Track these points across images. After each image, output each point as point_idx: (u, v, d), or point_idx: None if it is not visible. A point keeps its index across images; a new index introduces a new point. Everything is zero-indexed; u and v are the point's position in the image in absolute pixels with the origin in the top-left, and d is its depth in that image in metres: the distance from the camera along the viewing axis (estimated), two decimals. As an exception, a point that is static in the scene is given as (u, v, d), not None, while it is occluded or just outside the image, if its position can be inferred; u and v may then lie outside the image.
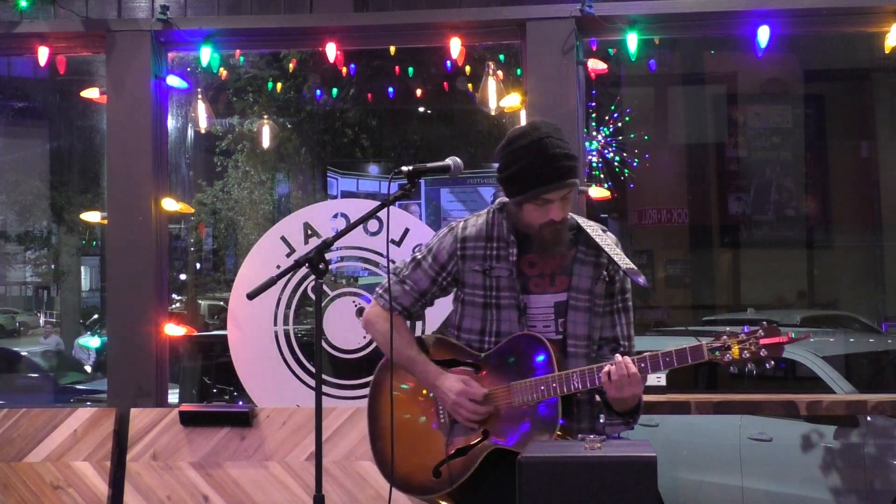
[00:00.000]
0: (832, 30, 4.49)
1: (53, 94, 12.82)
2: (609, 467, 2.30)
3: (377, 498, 3.86)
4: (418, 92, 9.38)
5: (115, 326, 4.29)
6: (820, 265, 11.70)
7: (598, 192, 4.56)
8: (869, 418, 5.51)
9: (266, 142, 9.72)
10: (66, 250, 16.36)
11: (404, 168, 2.88)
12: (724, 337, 2.64)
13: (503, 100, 4.89)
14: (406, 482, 2.93)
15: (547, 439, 2.68)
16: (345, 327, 4.22)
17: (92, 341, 12.92)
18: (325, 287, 3.91)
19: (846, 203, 11.41)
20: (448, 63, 5.18)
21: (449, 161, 2.99)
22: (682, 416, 4.12)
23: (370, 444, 3.02)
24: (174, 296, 12.09)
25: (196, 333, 8.09)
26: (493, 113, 6.31)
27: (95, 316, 16.03)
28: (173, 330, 4.32)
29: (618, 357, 2.70)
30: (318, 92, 10.80)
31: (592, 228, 2.87)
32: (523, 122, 4.25)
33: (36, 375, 10.40)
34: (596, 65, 4.26)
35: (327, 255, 2.83)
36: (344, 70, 5.31)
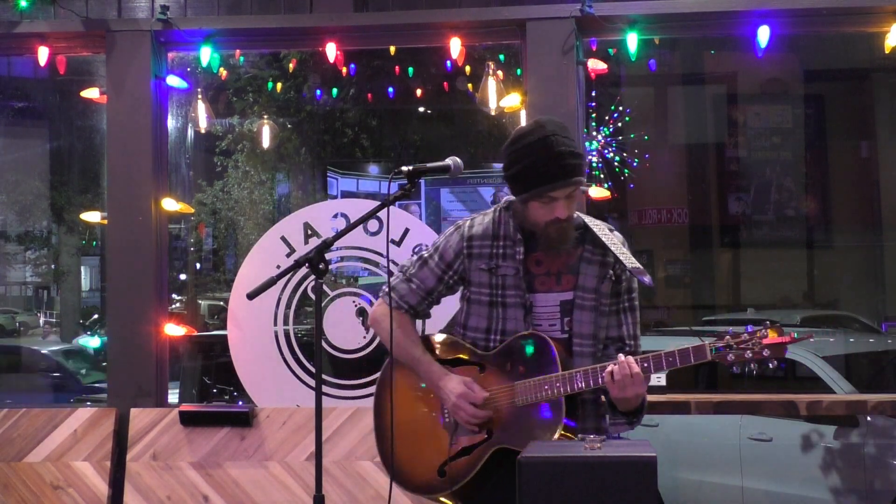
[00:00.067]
0: (832, 30, 4.50)
1: (53, 94, 12.82)
2: (609, 467, 2.30)
3: (377, 498, 3.86)
4: (418, 92, 9.38)
5: (115, 326, 4.29)
6: (820, 265, 11.70)
7: (598, 192, 4.56)
8: (869, 418, 5.51)
9: (266, 142, 9.71)
10: (66, 250, 16.36)
11: (404, 168, 2.88)
12: (728, 337, 2.64)
13: (503, 100, 4.89)
14: (411, 481, 2.94)
15: (551, 439, 2.69)
16: (345, 327, 4.22)
17: (92, 341, 12.92)
18: (325, 287, 3.91)
19: (846, 203, 11.41)
20: (448, 63, 5.18)
21: (449, 161, 3.00)
22: (682, 416, 4.11)
23: (376, 444, 3.03)
24: (174, 296, 12.09)
25: (196, 333, 8.09)
26: (493, 113, 6.31)
27: (95, 316, 16.02)
28: (173, 330, 4.32)
29: (621, 357, 2.70)
30: (318, 92, 10.80)
31: (599, 227, 2.87)
32: (523, 122, 4.25)
33: (59, 375, 10.33)
34: (596, 65, 4.26)
35: (327, 255, 2.83)
36: (344, 70, 5.31)
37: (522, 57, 4.26)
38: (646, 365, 2.68)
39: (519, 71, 5.02)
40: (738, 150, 11.77)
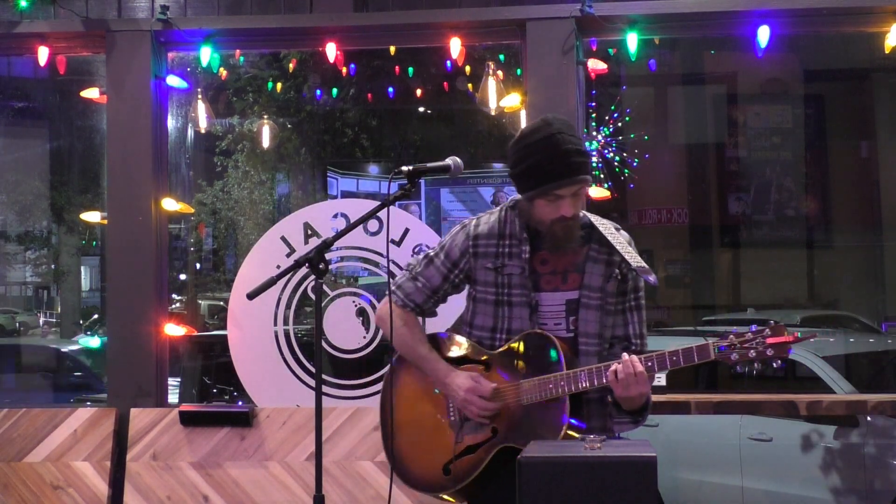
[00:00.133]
0: (832, 30, 4.49)
1: (53, 94, 12.82)
2: (609, 467, 2.30)
3: (377, 498, 3.86)
4: (418, 92, 9.38)
5: (115, 326, 4.29)
6: (820, 265, 11.70)
7: (598, 192, 4.56)
8: (869, 418, 5.51)
9: (266, 142, 9.72)
10: (66, 250, 16.37)
11: (404, 168, 2.89)
12: (731, 336, 2.64)
13: (503, 100, 4.89)
14: (417, 479, 2.95)
15: (556, 438, 2.69)
16: (345, 327, 4.22)
17: (92, 341, 12.92)
18: (325, 287, 3.91)
19: (846, 203, 11.41)
20: (448, 63, 5.18)
21: (449, 161, 3.00)
22: (682, 416, 4.11)
23: (383, 442, 3.04)
24: (174, 296, 12.10)
25: (196, 333, 8.10)
26: (493, 113, 6.32)
27: (95, 316, 16.02)
28: (173, 330, 4.32)
29: (625, 355, 2.71)
30: (318, 92, 10.80)
31: (605, 226, 2.87)
32: (523, 121, 4.25)
33: (81, 374, 10.28)
34: (596, 65, 4.26)
35: (327, 255, 2.83)
36: (344, 70, 5.31)
37: (522, 57, 4.26)
38: (650, 364, 2.68)
39: (519, 71, 5.02)
40: (738, 150, 11.77)
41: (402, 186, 2.90)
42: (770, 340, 2.61)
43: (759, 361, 2.62)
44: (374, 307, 4.21)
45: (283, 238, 4.23)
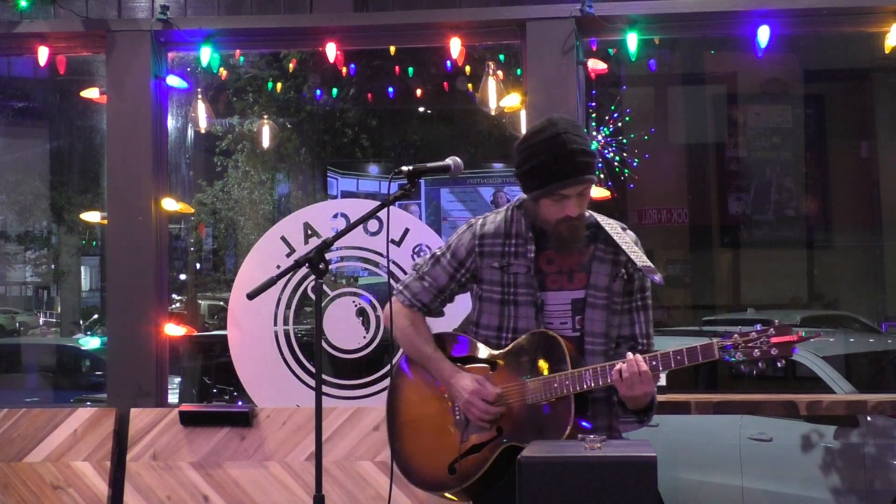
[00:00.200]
0: (832, 30, 4.49)
1: (53, 94, 12.83)
2: (609, 467, 2.30)
3: (377, 498, 3.86)
4: (418, 92, 9.39)
5: (115, 326, 4.29)
6: (820, 265, 11.70)
7: (598, 192, 4.56)
8: (869, 418, 5.51)
9: (266, 142, 9.73)
10: (66, 250, 16.38)
11: (404, 168, 2.90)
12: (736, 336, 2.64)
13: (503, 100, 4.89)
14: (422, 477, 2.97)
15: (560, 437, 2.69)
16: (345, 327, 4.22)
17: (91, 342, 12.92)
18: (325, 287, 3.91)
19: (846, 203, 11.41)
20: (448, 63, 5.18)
21: (449, 161, 3.00)
22: (682, 416, 4.11)
23: (389, 443, 3.05)
24: (174, 296, 12.10)
25: (196, 333, 8.10)
26: (493, 113, 6.32)
27: (95, 316, 16.03)
28: (173, 330, 4.32)
29: (629, 354, 2.71)
30: (318, 92, 10.81)
31: (611, 226, 2.88)
32: (523, 122, 4.26)
33: (102, 374, 10.25)
34: (596, 65, 4.26)
35: (327, 255, 2.83)
36: (344, 70, 5.31)
37: (522, 57, 4.26)
38: (654, 363, 2.69)
39: (519, 71, 5.02)
40: (738, 150, 11.77)
41: (402, 186, 2.91)
42: (774, 340, 2.61)
43: (763, 361, 2.62)
44: (374, 307, 4.22)
45: (283, 238, 4.23)
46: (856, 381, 6.11)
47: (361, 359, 4.23)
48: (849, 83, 11.42)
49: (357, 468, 3.93)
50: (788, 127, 11.54)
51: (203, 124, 6.51)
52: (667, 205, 11.79)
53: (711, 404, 3.94)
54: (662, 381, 5.56)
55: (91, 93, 4.63)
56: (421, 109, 11.53)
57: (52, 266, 17.84)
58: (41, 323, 19.41)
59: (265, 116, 10.53)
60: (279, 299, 4.21)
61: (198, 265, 14.28)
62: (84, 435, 4.11)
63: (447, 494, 2.95)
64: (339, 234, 2.96)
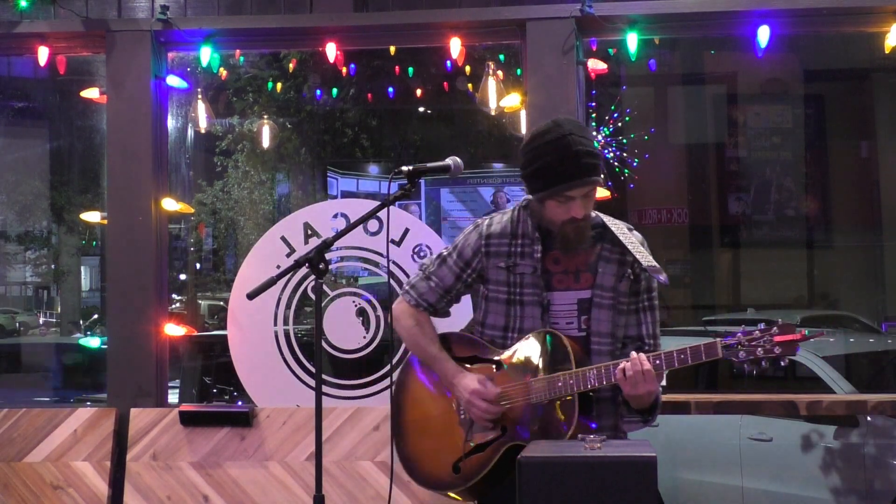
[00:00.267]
0: (832, 30, 4.49)
1: (53, 94, 12.83)
2: (609, 467, 2.30)
3: (377, 498, 3.86)
4: (418, 92, 9.39)
5: (115, 326, 4.29)
6: (820, 265, 11.70)
7: (598, 192, 4.55)
8: (869, 418, 5.50)
9: (266, 142, 9.73)
10: (66, 250, 16.39)
11: (404, 168, 2.90)
12: (739, 334, 2.64)
13: (503, 100, 4.89)
14: (426, 476, 2.98)
15: (565, 436, 2.70)
16: (345, 327, 4.22)
17: (92, 342, 12.91)
18: (325, 287, 3.91)
19: (846, 203, 11.41)
20: (448, 63, 5.18)
21: (449, 161, 3.01)
22: (682, 416, 4.11)
23: (394, 442, 3.06)
24: (174, 296, 12.10)
25: (196, 333, 8.10)
26: (493, 113, 6.32)
27: (95, 316, 16.03)
28: (173, 330, 4.32)
29: (633, 353, 2.71)
30: (318, 92, 10.81)
31: (618, 227, 2.89)
32: (523, 121, 4.26)
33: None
34: (596, 65, 4.26)
35: (327, 255, 2.83)
36: (344, 70, 5.31)
37: (522, 57, 4.25)
38: (657, 362, 2.69)
39: (519, 71, 5.02)
40: (738, 150, 11.76)
41: (402, 186, 2.91)
42: (778, 339, 2.60)
43: (766, 360, 2.61)
44: (373, 307, 4.22)
45: (283, 238, 4.23)
46: (856, 381, 6.11)
47: (361, 359, 4.23)
48: (849, 83, 11.42)
49: (357, 468, 3.93)
50: (788, 127, 11.54)
51: (203, 124, 6.52)
52: (667, 205, 11.79)
53: (711, 404, 3.94)
54: (662, 381, 5.57)
55: (91, 93, 4.62)
56: (421, 109, 11.53)
57: (52, 266, 17.84)
58: (41, 323, 19.42)
59: (265, 116, 10.53)
60: (279, 299, 4.21)
61: (198, 265, 14.28)
62: (84, 435, 4.11)
63: (451, 494, 2.96)
64: (339, 234, 2.96)
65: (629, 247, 2.81)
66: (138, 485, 4.00)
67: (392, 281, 4.08)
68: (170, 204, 4.36)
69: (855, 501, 5.57)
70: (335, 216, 4.26)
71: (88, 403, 7.11)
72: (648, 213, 11.82)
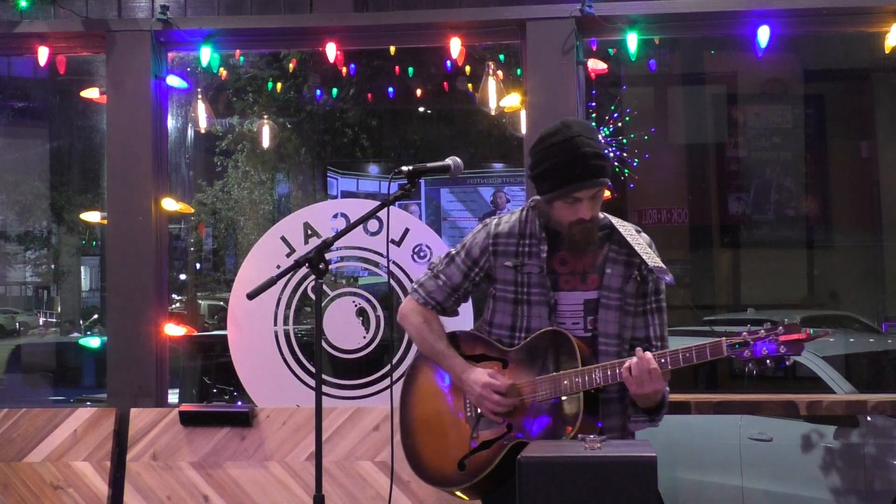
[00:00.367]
0: (832, 30, 4.49)
1: (53, 94, 12.82)
2: (609, 467, 2.31)
3: (377, 498, 3.86)
4: (418, 92, 9.38)
5: (115, 326, 4.29)
6: (820, 265, 11.69)
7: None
8: (869, 418, 5.50)
9: (266, 142, 9.72)
10: (66, 250, 16.38)
11: (404, 168, 2.92)
12: (744, 333, 2.65)
13: (503, 100, 4.89)
14: (432, 474, 2.99)
15: (569, 435, 2.71)
16: (345, 327, 4.22)
17: (92, 341, 12.91)
18: (325, 287, 3.91)
19: (846, 203, 11.40)
20: (448, 63, 5.18)
21: (449, 161, 3.02)
22: (682, 416, 4.11)
23: (401, 440, 3.07)
24: (174, 296, 12.09)
25: (196, 333, 8.09)
26: (493, 113, 6.32)
27: (95, 316, 16.03)
28: (173, 330, 4.32)
29: (639, 351, 2.72)
30: (318, 92, 10.81)
31: (626, 228, 2.91)
32: (523, 121, 4.26)
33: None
34: (596, 65, 4.27)
35: (327, 255, 2.84)
36: (344, 70, 5.31)
37: (522, 57, 4.26)
38: (663, 361, 2.70)
39: (519, 71, 5.02)
40: (738, 150, 11.75)
41: (402, 186, 2.92)
42: (783, 338, 2.61)
43: (771, 359, 2.62)
44: (374, 307, 4.22)
45: (283, 238, 4.23)
46: (856, 381, 6.11)
47: (361, 359, 4.24)
48: (849, 83, 11.41)
49: (357, 468, 3.93)
50: (788, 127, 11.53)
51: (203, 124, 6.52)
52: (667, 205, 11.78)
53: (711, 404, 3.95)
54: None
55: (91, 93, 4.63)
56: (421, 109, 11.52)
57: (52, 266, 17.84)
58: (41, 323, 19.43)
59: (265, 116, 10.52)
60: (279, 299, 4.21)
61: (198, 265, 14.27)
62: (84, 435, 4.11)
63: (456, 492, 2.97)
64: (339, 234, 2.97)
65: (636, 248, 2.82)
66: (138, 485, 4.00)
67: (392, 281, 4.08)
68: (170, 204, 4.36)
69: (855, 501, 5.57)
70: (335, 216, 4.26)
71: (88, 403, 7.11)
72: (648, 213, 11.81)
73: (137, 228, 4.25)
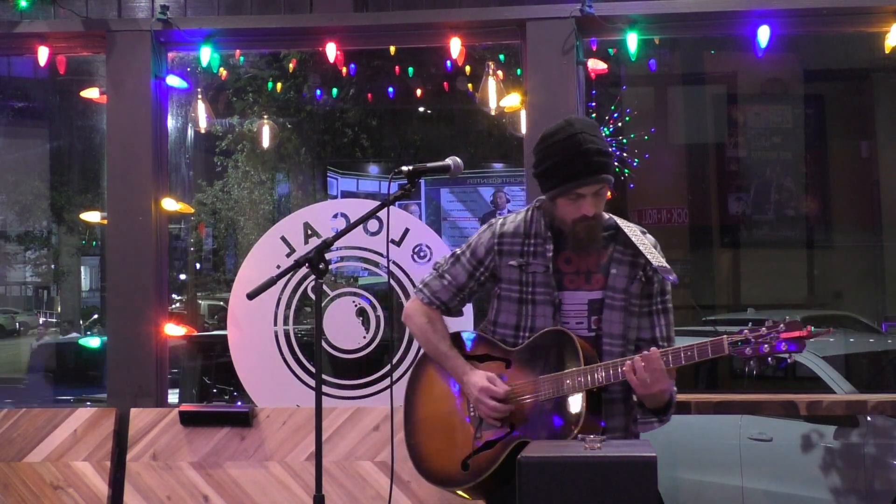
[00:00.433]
0: (832, 30, 4.49)
1: (53, 94, 12.83)
2: (609, 467, 2.31)
3: (377, 498, 3.86)
4: (418, 92, 9.38)
5: (115, 326, 4.29)
6: (820, 265, 11.69)
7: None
8: (869, 418, 5.50)
9: (266, 142, 9.72)
10: (66, 250, 16.39)
11: (404, 168, 2.92)
12: (745, 331, 2.65)
13: (503, 100, 4.89)
14: (436, 473, 3.00)
15: (572, 434, 2.70)
16: (345, 327, 4.22)
17: (92, 341, 12.90)
18: (325, 287, 3.91)
19: (846, 203, 11.40)
20: (448, 63, 5.18)
21: (449, 161, 3.02)
22: (682, 416, 4.11)
23: (405, 439, 3.08)
24: (174, 296, 12.09)
25: (196, 333, 8.10)
26: (493, 113, 6.31)
27: (95, 316, 16.04)
28: (173, 330, 4.32)
29: (653, 350, 2.72)
30: (318, 92, 10.81)
31: (631, 229, 2.92)
32: (523, 121, 4.26)
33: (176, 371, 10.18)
34: (596, 65, 4.27)
35: (327, 255, 2.84)
36: (344, 70, 5.31)
37: (522, 57, 4.26)
38: (665, 359, 2.70)
39: (519, 71, 5.02)
40: (738, 150, 11.75)
41: (402, 186, 2.92)
42: (785, 335, 2.61)
43: (773, 357, 2.61)
44: (374, 307, 4.22)
45: (283, 238, 4.23)
46: (856, 381, 6.11)
47: (361, 359, 4.24)
48: (849, 83, 11.41)
49: (357, 468, 3.93)
50: (788, 127, 11.53)
51: (203, 124, 6.52)
52: (667, 205, 11.78)
53: (711, 404, 3.95)
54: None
55: (91, 93, 4.63)
56: (421, 109, 11.52)
57: (52, 266, 17.85)
58: (41, 323, 19.43)
59: (265, 116, 10.52)
60: (279, 299, 4.21)
61: (198, 265, 14.28)
62: (84, 435, 4.11)
63: (459, 492, 2.97)
64: (339, 234, 2.97)
65: (641, 249, 2.83)
66: (138, 485, 4.00)
67: (392, 281, 4.08)
68: (170, 204, 4.36)
69: (855, 501, 5.57)
70: (335, 216, 4.26)
71: (88, 403, 7.11)
72: (648, 213, 11.81)
73: (137, 228, 4.25)
